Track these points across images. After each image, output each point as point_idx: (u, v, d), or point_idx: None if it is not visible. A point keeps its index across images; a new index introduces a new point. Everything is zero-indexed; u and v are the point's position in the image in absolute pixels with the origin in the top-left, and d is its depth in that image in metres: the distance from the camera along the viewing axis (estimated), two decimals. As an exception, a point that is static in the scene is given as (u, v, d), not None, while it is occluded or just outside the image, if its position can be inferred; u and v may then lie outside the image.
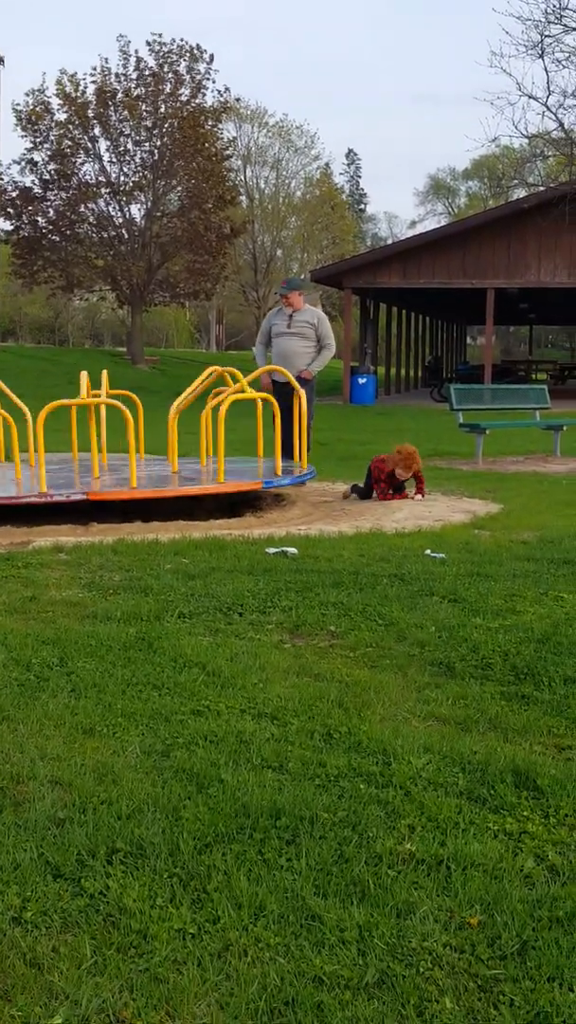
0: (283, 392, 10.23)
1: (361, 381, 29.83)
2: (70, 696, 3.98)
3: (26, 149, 40.27)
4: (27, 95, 39.96)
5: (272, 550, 6.84)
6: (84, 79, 39.42)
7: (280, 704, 3.90)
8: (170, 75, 39.74)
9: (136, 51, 39.79)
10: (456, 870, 2.74)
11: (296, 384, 9.94)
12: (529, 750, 3.52)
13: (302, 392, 9.98)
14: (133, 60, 39.52)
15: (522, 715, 3.85)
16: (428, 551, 6.86)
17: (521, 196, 31.74)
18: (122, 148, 40.05)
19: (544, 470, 12.77)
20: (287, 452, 10.16)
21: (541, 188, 27.27)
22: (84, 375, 9.88)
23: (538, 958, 2.39)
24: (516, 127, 25.62)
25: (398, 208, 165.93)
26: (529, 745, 3.58)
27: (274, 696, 3.99)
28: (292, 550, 6.84)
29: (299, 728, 3.67)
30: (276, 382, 10.47)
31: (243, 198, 51.40)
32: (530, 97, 21.93)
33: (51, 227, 40.45)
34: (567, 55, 21.82)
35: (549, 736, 3.67)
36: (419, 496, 9.74)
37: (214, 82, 45.57)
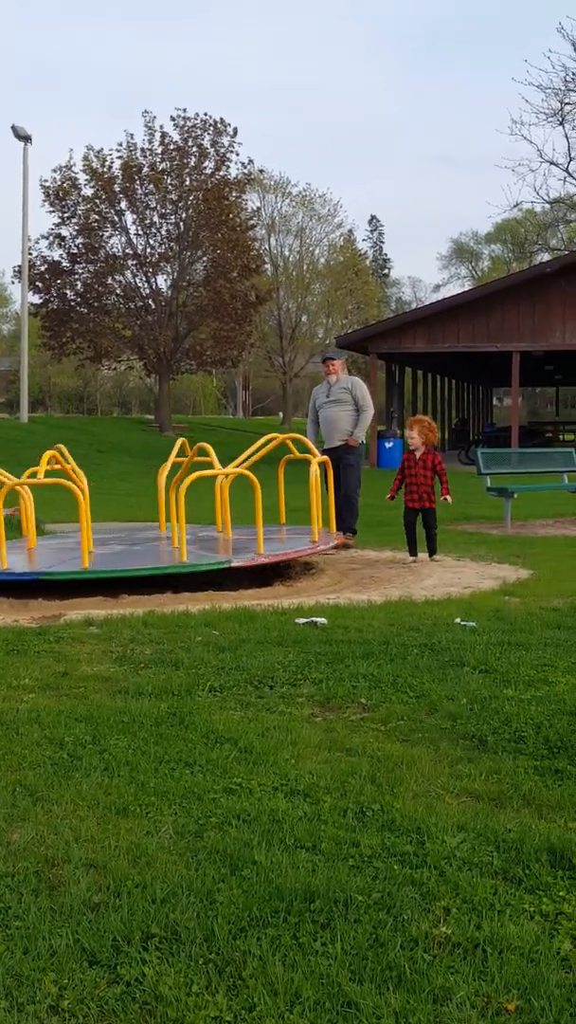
0: (331, 458, 10.83)
1: (388, 445, 29.96)
2: (103, 775, 3.99)
3: (54, 224, 41.05)
4: (54, 171, 40.83)
5: (302, 620, 6.85)
6: (110, 154, 40.29)
7: (312, 781, 3.90)
8: (194, 149, 40.54)
9: (161, 126, 40.61)
10: (492, 953, 2.72)
11: (323, 457, 10.26)
12: (564, 827, 3.50)
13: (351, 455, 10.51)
14: (158, 135, 40.38)
15: (556, 790, 3.83)
16: (458, 619, 6.86)
17: (544, 260, 31.98)
18: (148, 221, 40.80)
19: (573, 534, 12.75)
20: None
21: (564, 252, 27.47)
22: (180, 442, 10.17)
23: (578, 1045, 2.36)
24: (537, 192, 26.00)
25: (422, 272, 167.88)
26: (564, 822, 3.55)
27: (306, 772, 3.99)
28: (322, 620, 6.85)
29: (332, 806, 3.66)
30: (324, 450, 10.92)
31: (268, 266, 52.05)
32: (551, 163, 22.19)
33: (79, 299, 41.11)
34: (586, 122, 22.12)
35: (584, 812, 3.65)
36: (446, 497, 9.78)
37: (238, 154, 46.32)
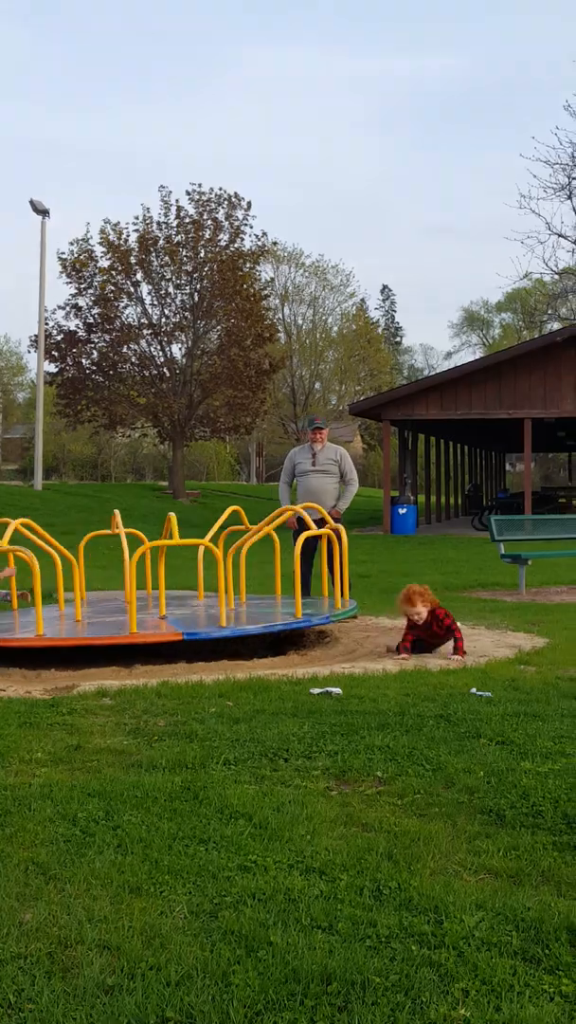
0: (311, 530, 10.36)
1: (401, 511, 29.98)
2: (116, 852, 3.95)
3: (71, 295, 41.67)
4: (71, 244, 41.56)
5: (316, 690, 6.81)
6: (127, 227, 40.98)
7: (328, 858, 3.85)
8: (209, 222, 41.20)
9: (177, 200, 41.37)
10: (513, 1038, 2.67)
11: (330, 520, 10.10)
12: (584, 905, 3.44)
13: (341, 528, 10.09)
14: (174, 209, 41.08)
15: (575, 867, 3.77)
16: (474, 689, 6.81)
17: (554, 328, 32.22)
18: (163, 291, 41.40)
19: (588, 601, 12.68)
20: (306, 590, 10.61)
21: (573, 321, 27.68)
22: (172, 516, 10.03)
23: None
24: (546, 264, 26.31)
25: (433, 339, 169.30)
26: (584, 900, 3.49)
27: (322, 849, 3.94)
28: (336, 690, 6.81)
29: (348, 884, 3.62)
30: (302, 520, 10.54)
31: (281, 334, 52.57)
32: (560, 236, 22.45)
33: (95, 368, 41.57)
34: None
35: (604, 890, 3.59)
36: (458, 657, 8.12)
37: (252, 227, 47.06)
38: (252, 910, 3.41)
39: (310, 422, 11.71)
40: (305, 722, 5.92)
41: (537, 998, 2.87)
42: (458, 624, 8.49)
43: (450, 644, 8.38)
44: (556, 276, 24.30)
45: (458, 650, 8.25)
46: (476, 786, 4.70)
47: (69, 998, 2.87)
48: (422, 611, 8.28)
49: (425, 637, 8.42)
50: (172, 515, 9.60)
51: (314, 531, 9.64)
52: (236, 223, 41.75)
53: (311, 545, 10.80)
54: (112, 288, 41.16)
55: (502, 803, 4.47)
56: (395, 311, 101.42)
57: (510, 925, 3.30)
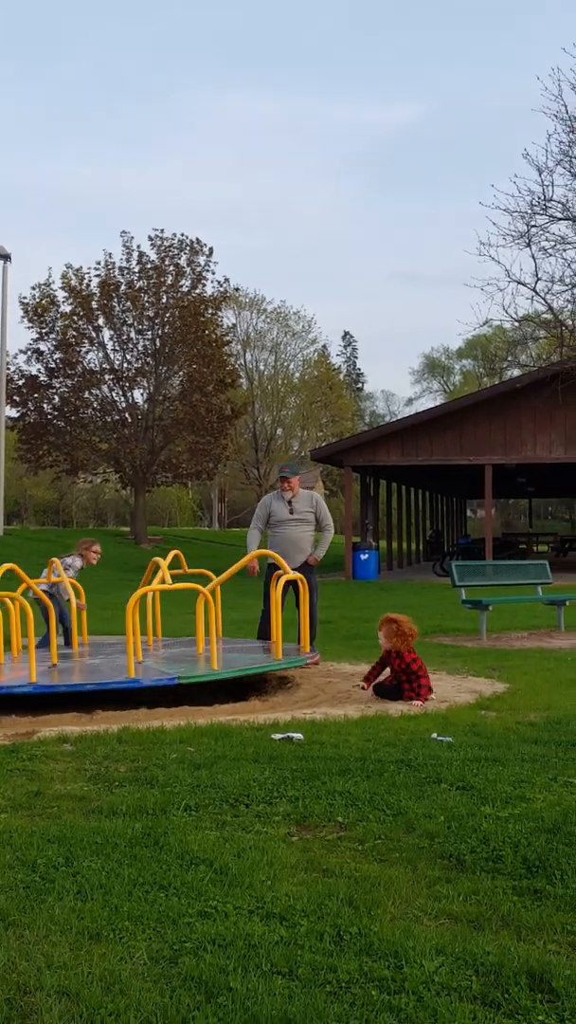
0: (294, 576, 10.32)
1: (363, 557, 30.05)
2: (76, 899, 3.92)
3: (32, 340, 41.67)
4: (33, 288, 41.59)
5: (278, 736, 6.81)
6: (88, 272, 41.13)
7: (289, 903, 3.85)
8: (171, 268, 41.44)
9: (139, 246, 41.62)
10: None
11: (298, 575, 10.03)
12: (543, 949, 3.46)
13: (303, 578, 10.07)
14: (136, 254, 41.31)
15: (535, 911, 3.79)
16: (434, 734, 6.83)
17: (514, 375, 32.64)
18: (125, 337, 41.49)
19: (549, 646, 12.77)
20: (265, 635, 10.54)
21: (533, 368, 28.04)
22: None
23: None
24: (506, 311, 26.59)
25: (394, 386, 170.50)
26: (543, 944, 3.51)
27: (282, 895, 3.94)
28: (298, 735, 6.81)
29: (308, 930, 3.61)
30: (273, 567, 10.53)
31: (243, 380, 52.81)
32: (519, 283, 22.73)
33: (56, 413, 41.50)
34: (552, 243, 22.76)
35: (563, 934, 3.61)
36: (418, 702, 8.18)
37: (213, 273, 47.39)
38: (212, 956, 3.40)
39: (279, 471, 11.60)
40: (266, 768, 5.92)
41: (497, 1042, 2.88)
42: (426, 676, 8.53)
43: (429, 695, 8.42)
44: (516, 323, 24.56)
45: (412, 694, 8.35)
46: (436, 831, 4.71)
47: (27, 1047, 2.85)
48: (380, 638, 8.61)
49: (394, 670, 8.53)
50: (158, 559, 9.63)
51: (290, 575, 9.64)
52: (198, 269, 42.03)
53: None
54: (74, 333, 41.22)
55: (462, 848, 4.48)
56: (356, 357, 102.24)
57: (470, 970, 3.31)
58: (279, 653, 9.18)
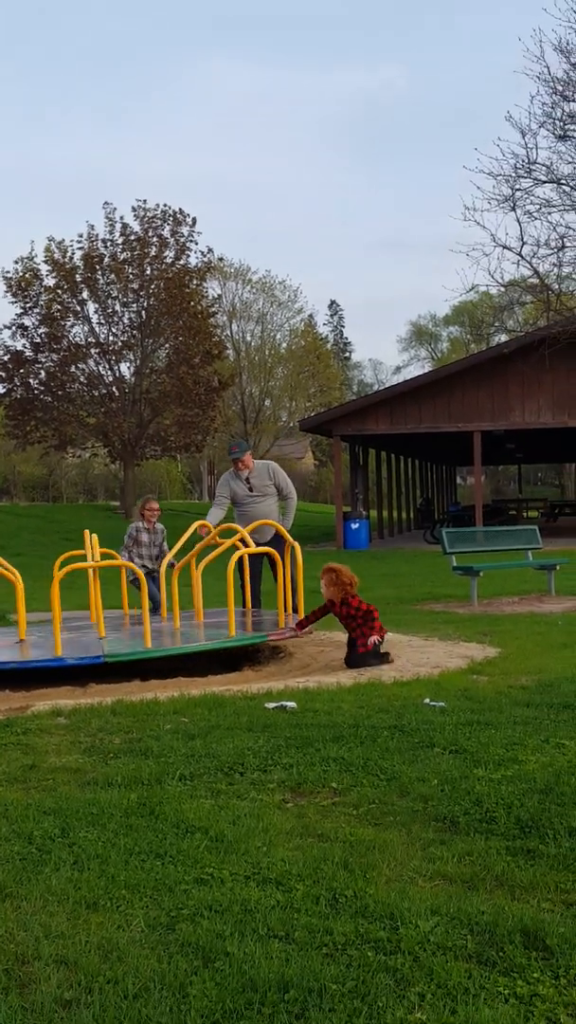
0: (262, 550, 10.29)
1: (354, 526, 30.09)
2: (73, 869, 3.94)
3: (16, 315, 41.40)
4: (16, 263, 41.28)
5: (271, 705, 6.84)
6: (72, 245, 40.83)
7: (284, 868, 3.87)
8: (155, 239, 41.17)
9: (121, 217, 41.28)
10: (469, 1039, 2.70)
11: (287, 535, 10.09)
12: (537, 908, 3.49)
13: (296, 545, 10.08)
14: (119, 226, 41.02)
15: (528, 871, 3.82)
16: (427, 700, 6.87)
17: (502, 341, 32.56)
18: (110, 310, 41.24)
19: (539, 610, 12.82)
20: (257, 604, 10.83)
21: (520, 333, 27.99)
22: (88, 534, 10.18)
23: None
24: (492, 276, 26.32)
25: (382, 354, 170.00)
26: (537, 903, 3.55)
27: (278, 860, 3.96)
28: (291, 704, 6.83)
29: (304, 893, 3.64)
30: (257, 542, 10.40)
31: (230, 352, 52.61)
32: (505, 248, 22.62)
33: (43, 388, 41.31)
34: (537, 207, 22.63)
35: (557, 892, 3.64)
36: (376, 639, 8.48)
37: (197, 244, 47.08)
38: (209, 922, 3.42)
39: (229, 452, 11.32)
40: (260, 736, 5.95)
41: (492, 1000, 2.92)
42: (377, 622, 8.64)
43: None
44: (502, 288, 24.48)
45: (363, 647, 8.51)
46: (430, 794, 4.74)
47: (27, 1013, 2.87)
48: (322, 588, 8.81)
49: (341, 618, 8.82)
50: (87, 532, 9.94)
51: (253, 549, 9.69)
52: (182, 240, 41.75)
53: (256, 565, 10.82)
54: (58, 307, 40.97)
55: (456, 810, 4.51)
56: (343, 326, 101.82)
57: (465, 929, 3.34)
58: (232, 630, 8.98)
